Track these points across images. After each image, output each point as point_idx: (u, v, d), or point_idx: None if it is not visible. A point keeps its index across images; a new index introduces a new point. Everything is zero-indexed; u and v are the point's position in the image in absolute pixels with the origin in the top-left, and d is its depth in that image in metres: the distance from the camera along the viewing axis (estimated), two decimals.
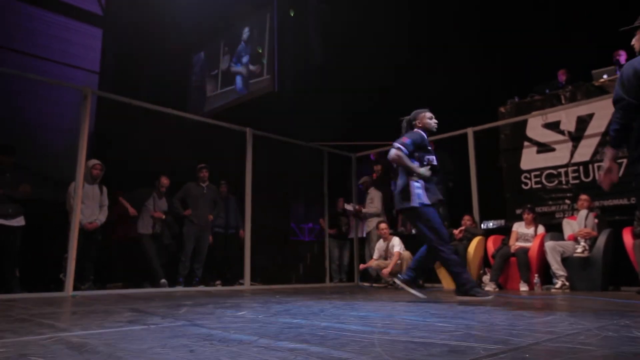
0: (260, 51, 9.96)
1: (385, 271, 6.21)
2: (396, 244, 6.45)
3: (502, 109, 7.03)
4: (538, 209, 6.36)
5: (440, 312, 2.81)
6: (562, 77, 6.78)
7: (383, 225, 6.69)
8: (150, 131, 8.90)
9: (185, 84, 11.91)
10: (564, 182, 6.31)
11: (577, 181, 6.18)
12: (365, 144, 8.32)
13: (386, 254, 6.52)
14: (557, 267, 5.09)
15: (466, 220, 6.20)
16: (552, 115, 6.51)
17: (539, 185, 6.52)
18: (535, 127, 6.68)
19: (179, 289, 5.81)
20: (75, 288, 4.93)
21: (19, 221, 5.04)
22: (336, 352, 1.48)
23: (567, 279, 5.07)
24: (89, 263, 5.35)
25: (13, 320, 2.45)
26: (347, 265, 7.55)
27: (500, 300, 3.75)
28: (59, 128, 9.03)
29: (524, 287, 5.27)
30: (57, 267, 5.26)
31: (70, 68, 11.36)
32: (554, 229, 5.80)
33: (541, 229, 5.73)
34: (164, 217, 6.09)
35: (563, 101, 6.52)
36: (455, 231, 6.22)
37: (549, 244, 5.21)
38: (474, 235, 6.07)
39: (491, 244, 5.98)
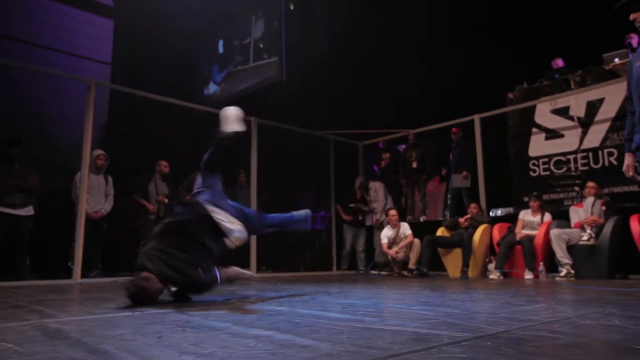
0: (261, 46, 9.96)
1: (392, 251, 6.22)
2: (407, 228, 6.44)
3: (510, 95, 6.90)
4: (546, 197, 6.26)
5: (429, 300, 2.81)
6: (560, 64, 6.63)
7: (392, 212, 6.65)
8: (159, 121, 9.01)
9: (194, 74, 11.98)
10: (572, 169, 6.19)
11: (586, 168, 6.06)
12: (372, 131, 8.27)
13: (394, 241, 6.49)
14: (562, 255, 5.02)
15: (472, 208, 6.15)
16: (561, 101, 6.37)
17: (547, 172, 6.41)
18: (543, 113, 6.54)
19: None
20: (83, 276, 5.07)
21: (28, 210, 5.17)
22: (300, 339, 1.50)
23: (573, 267, 5.00)
24: (96, 251, 5.47)
25: (8, 307, 2.52)
26: (361, 252, 7.52)
27: (495, 287, 3.72)
28: (69, 119, 9.16)
29: (528, 275, 5.21)
30: (65, 255, 5.39)
31: (84, 60, 11.52)
32: (562, 217, 5.70)
33: (548, 217, 5.64)
34: (166, 200, 6.15)
35: (573, 86, 6.37)
36: (461, 219, 6.16)
37: (554, 232, 5.13)
38: (480, 223, 6.01)
39: (497, 232, 5.92)
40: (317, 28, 9.36)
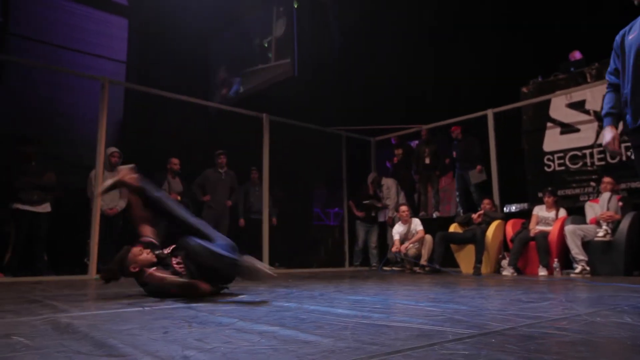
0: (266, 45, 9.97)
1: (403, 247, 6.20)
2: (418, 224, 6.41)
3: (524, 89, 6.81)
4: (561, 192, 6.18)
5: (438, 297, 2.79)
6: (577, 56, 6.50)
7: (403, 208, 6.62)
8: (173, 118, 9.10)
9: (207, 71, 12.04)
10: (588, 164, 6.09)
11: (602, 163, 5.95)
12: (385, 127, 8.24)
13: (406, 237, 6.47)
14: (577, 252, 4.95)
15: (485, 204, 6.09)
16: (576, 95, 6.26)
17: (563, 168, 6.31)
18: (559, 107, 6.44)
19: None
20: (99, 271, 5.15)
21: (45, 207, 5.28)
22: (303, 334, 1.51)
23: (588, 263, 4.92)
24: (111, 247, 5.55)
25: (24, 301, 2.58)
26: (374, 249, 7.51)
27: (507, 284, 3.68)
28: (85, 117, 9.30)
29: (543, 272, 5.15)
30: (82, 251, 5.49)
31: (100, 59, 11.67)
32: (578, 213, 5.61)
33: (562, 213, 5.56)
34: (179, 198, 6.20)
35: (589, 79, 6.25)
36: (474, 215, 6.11)
37: (568, 228, 5.06)
38: (493, 219, 5.95)
39: (510, 228, 5.86)
40: (329, 24, 9.33)
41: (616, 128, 2.45)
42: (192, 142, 8.45)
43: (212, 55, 12.17)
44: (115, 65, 12.06)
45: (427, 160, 7.62)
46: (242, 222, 6.95)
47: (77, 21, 11.42)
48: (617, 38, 2.50)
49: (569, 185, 6.24)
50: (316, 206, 10.40)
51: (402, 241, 6.40)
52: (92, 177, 5.42)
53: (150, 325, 1.70)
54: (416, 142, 8.37)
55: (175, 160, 6.26)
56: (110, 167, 5.67)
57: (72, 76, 9.42)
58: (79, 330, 1.58)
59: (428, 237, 6.17)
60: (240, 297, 2.85)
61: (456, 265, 6.27)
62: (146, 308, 2.22)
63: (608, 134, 2.41)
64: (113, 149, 5.74)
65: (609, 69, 2.55)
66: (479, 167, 6.76)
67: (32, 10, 10.56)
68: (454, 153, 7.19)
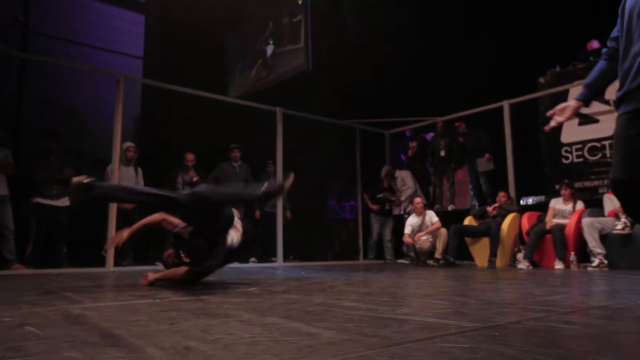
0: (271, 42, 10.00)
1: (417, 236, 6.20)
2: (433, 215, 6.37)
3: (541, 80, 6.67)
4: (579, 184, 6.06)
5: (448, 290, 2.78)
6: (595, 45, 6.34)
7: (418, 199, 6.59)
8: (190, 113, 9.18)
9: (223, 65, 12.10)
10: (608, 155, 5.95)
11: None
12: (399, 120, 8.17)
13: (420, 229, 6.43)
14: (594, 245, 4.86)
15: (501, 196, 6.01)
16: None
17: (581, 159, 6.19)
18: None
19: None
20: (116, 264, 5.26)
21: (64, 201, 5.38)
22: (307, 327, 1.52)
23: (606, 257, 4.83)
24: (128, 241, 5.64)
25: (41, 293, 2.65)
26: (388, 242, 7.49)
27: (521, 277, 3.64)
28: (103, 112, 9.46)
29: (559, 265, 5.07)
30: (100, 244, 5.60)
31: (118, 55, 11.85)
32: (596, 205, 5.50)
33: (580, 205, 5.46)
34: (195, 179, 6.24)
35: None
36: (489, 208, 6.04)
37: (586, 221, 4.97)
38: (509, 212, 5.88)
39: (526, 221, 5.78)
40: (343, 15, 9.28)
41: (584, 103, 2.02)
42: (207, 136, 8.53)
43: (229, 48, 12.20)
44: (132, 60, 12.24)
45: (442, 153, 7.55)
46: (257, 214, 6.99)
47: (95, 18, 11.60)
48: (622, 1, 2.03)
49: (588, 177, 6.11)
50: (332, 199, 10.40)
51: (414, 233, 6.39)
52: (108, 172, 5.51)
53: (158, 317, 1.73)
54: (431, 134, 8.29)
55: (190, 157, 6.31)
56: (127, 161, 5.76)
57: (91, 72, 9.61)
58: (89, 321, 1.62)
59: (443, 230, 6.13)
60: (252, 289, 2.88)
61: (471, 258, 6.21)
62: (157, 300, 2.27)
63: (568, 104, 2.04)
64: (129, 144, 5.82)
65: (612, 34, 2.08)
66: (487, 155, 6.70)
67: (52, 9, 10.76)
68: (461, 139, 7.17)
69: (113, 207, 5.22)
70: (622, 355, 1.11)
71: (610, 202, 5.14)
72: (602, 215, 5.14)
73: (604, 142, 6.01)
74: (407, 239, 6.35)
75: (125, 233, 3.10)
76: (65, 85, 9.83)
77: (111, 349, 1.19)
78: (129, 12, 12.49)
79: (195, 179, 6.17)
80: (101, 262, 5.31)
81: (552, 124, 2.05)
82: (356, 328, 1.50)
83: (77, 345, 1.23)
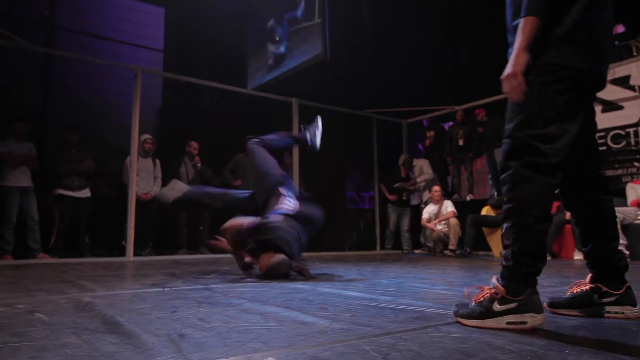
0: (277, 39, 9.97)
1: (431, 224, 6.18)
2: (450, 205, 6.35)
3: None
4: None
5: (457, 281, 2.77)
6: (620, 29, 6.12)
7: (436, 188, 6.56)
8: (209, 105, 9.28)
9: (241, 56, 12.16)
10: (632, 143, 5.78)
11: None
12: (417, 109, 8.09)
13: (436, 218, 6.40)
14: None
15: None
16: (620, 69, 5.93)
17: (604, 147, 6.02)
18: None
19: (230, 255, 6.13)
20: (136, 254, 5.40)
21: (85, 193, 5.55)
22: (304, 316, 1.54)
23: (627, 247, 4.71)
24: (147, 231, 5.79)
25: (59, 281, 2.75)
26: (406, 232, 7.47)
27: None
28: (124, 105, 9.66)
29: (578, 256, 4.97)
30: (120, 234, 5.75)
31: (139, 48, 12.03)
32: (619, 194, 5.36)
33: None
34: (199, 165, 6.30)
35: (634, 53, 5.90)
36: None
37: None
38: None
39: None
40: (362, 5, 9.19)
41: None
42: (225, 128, 8.61)
43: (247, 39, 12.24)
44: (154, 53, 12.40)
45: (461, 142, 7.45)
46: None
47: (116, 12, 11.78)
48: None
49: (611, 166, 5.95)
50: (350, 189, 10.40)
51: (430, 220, 6.39)
52: (127, 163, 5.63)
53: (162, 305, 1.78)
54: (450, 123, 8.18)
55: (195, 145, 6.35)
56: (145, 153, 5.87)
57: (112, 66, 9.80)
58: (95, 309, 1.68)
59: (454, 220, 6.08)
60: (259, 279, 2.92)
61: (488, 248, 6.14)
62: (166, 289, 2.33)
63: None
64: (146, 136, 5.93)
65: None
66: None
67: (75, 3, 10.97)
68: (480, 129, 7.01)
69: (132, 198, 5.34)
70: (613, 347, 1.10)
71: (634, 192, 5.01)
72: (625, 205, 5.01)
73: (628, 130, 5.84)
74: (424, 223, 6.36)
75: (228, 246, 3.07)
76: (88, 79, 10.03)
77: (109, 335, 1.23)
78: (149, 5, 12.63)
79: (199, 165, 6.24)
80: (121, 251, 5.47)
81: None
82: (352, 317, 1.51)
83: (78, 331, 1.28)
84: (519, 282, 1.36)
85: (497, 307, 1.36)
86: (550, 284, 2.47)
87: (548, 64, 1.42)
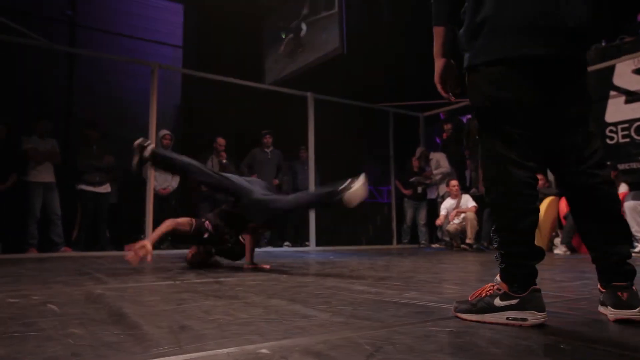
0: (284, 36, 9.99)
1: (451, 215, 6.15)
2: (469, 199, 6.29)
3: None
4: (625, 166, 5.75)
5: (466, 276, 2.75)
6: None
7: (454, 182, 6.51)
8: (227, 100, 9.36)
9: (259, 51, 12.20)
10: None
11: None
12: (434, 102, 7.99)
13: (457, 213, 6.36)
14: (637, 230, 4.62)
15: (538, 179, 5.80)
16: None
17: (627, 139, 5.86)
18: (623, 73, 5.94)
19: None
20: (155, 248, 5.48)
21: (106, 188, 5.68)
22: (306, 309, 1.56)
23: None
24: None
25: (77, 274, 2.83)
26: (422, 226, 7.42)
27: (552, 263, 3.54)
28: (144, 102, 9.82)
29: (558, 251, 4.87)
30: (139, 228, 5.86)
31: (158, 44, 12.20)
32: None
33: (623, 188, 5.19)
34: (225, 160, 6.38)
35: None
36: None
37: (628, 204, 4.73)
38: (546, 196, 5.67)
39: (564, 205, 5.55)
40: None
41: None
42: (242, 123, 8.67)
43: (265, 34, 12.27)
44: (173, 50, 12.57)
45: (478, 135, 7.33)
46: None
47: (136, 9, 11.96)
48: None
49: (635, 158, 5.79)
50: (369, 184, 10.37)
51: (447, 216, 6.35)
52: None
53: (170, 298, 1.83)
54: (468, 116, 8.06)
55: (222, 142, 6.44)
56: (163, 149, 5.96)
57: (131, 63, 9.98)
58: (105, 301, 1.73)
59: (471, 215, 6.02)
60: (272, 272, 2.95)
61: None
62: (177, 282, 2.38)
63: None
64: (165, 132, 6.02)
65: None
66: None
67: (97, 2, 11.17)
68: None
69: (150, 194, 5.44)
70: (610, 343, 1.08)
71: None
72: None
73: (637, 123, 5.67)
74: (438, 221, 6.31)
75: (149, 245, 3.09)
76: (110, 76, 10.24)
77: (113, 327, 1.27)
78: (168, 2, 12.78)
79: (224, 161, 6.32)
80: None
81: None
82: (354, 311, 1.52)
83: (85, 322, 1.33)
84: (518, 281, 1.34)
85: (498, 302, 1.35)
86: (564, 279, 2.44)
87: (478, 65, 1.41)
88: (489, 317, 1.34)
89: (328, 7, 9.77)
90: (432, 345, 1.07)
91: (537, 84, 1.37)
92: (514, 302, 1.32)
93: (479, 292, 1.41)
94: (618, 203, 1.46)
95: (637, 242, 4.64)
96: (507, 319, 1.31)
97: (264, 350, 1.03)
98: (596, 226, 1.41)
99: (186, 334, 1.19)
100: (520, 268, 1.35)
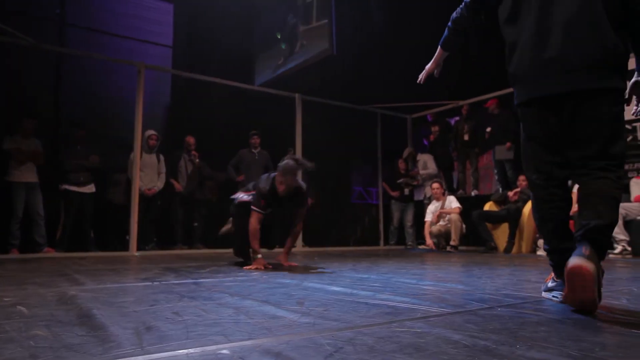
0: (283, 47, 10.01)
1: (434, 217, 6.20)
2: (453, 200, 6.33)
3: None
4: None
5: (446, 276, 2.77)
6: None
7: (436, 185, 6.55)
8: (216, 101, 9.34)
9: (250, 53, 12.18)
10: (639, 138, 5.69)
11: None
12: (421, 104, 8.04)
13: (440, 215, 6.40)
14: (617, 231, 4.69)
15: (521, 180, 5.86)
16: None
17: None
18: None
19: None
20: (140, 249, 5.47)
21: (91, 188, 5.64)
22: (277, 310, 1.57)
23: (629, 243, 4.66)
24: (151, 226, 5.87)
25: (55, 275, 2.81)
26: (409, 227, 7.46)
27: (531, 264, 3.58)
28: (132, 101, 9.77)
29: (540, 252, 4.92)
30: (125, 229, 5.83)
31: (148, 44, 12.13)
32: (624, 190, 5.29)
33: None
34: (197, 160, 6.36)
35: None
36: (510, 193, 5.91)
37: None
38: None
39: None
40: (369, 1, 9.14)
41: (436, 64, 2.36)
42: (232, 124, 8.66)
43: (255, 35, 12.26)
44: (163, 49, 12.51)
45: (466, 137, 7.40)
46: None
47: (126, 8, 11.89)
48: None
49: None
50: (358, 185, 10.40)
51: (438, 220, 6.39)
52: (131, 159, 5.70)
53: (145, 299, 1.82)
54: (456, 118, 8.13)
55: (191, 141, 6.40)
56: (149, 149, 5.94)
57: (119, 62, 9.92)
58: (76, 302, 1.72)
59: (455, 216, 6.06)
60: (255, 273, 2.95)
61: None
62: (155, 283, 2.37)
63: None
64: (151, 132, 5.99)
65: None
66: (508, 144, 6.47)
67: (86, 1, 11.09)
68: (488, 128, 6.89)
69: (135, 194, 5.42)
70: (566, 342, 1.10)
71: (638, 187, 4.94)
72: (628, 200, 4.94)
73: (634, 124, 5.74)
74: (426, 229, 6.35)
75: (261, 259, 3.32)
76: (97, 75, 10.15)
77: (78, 328, 1.27)
78: (158, 2, 12.73)
79: (197, 160, 6.32)
80: (127, 246, 5.54)
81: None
82: (324, 312, 1.53)
83: (50, 324, 1.33)
84: (554, 269, 1.87)
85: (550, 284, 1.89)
86: (540, 280, 2.47)
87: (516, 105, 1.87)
88: (545, 295, 1.89)
89: (319, 16, 9.79)
90: (392, 345, 1.09)
91: (553, 116, 1.71)
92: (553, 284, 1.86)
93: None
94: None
95: (617, 244, 4.71)
96: (553, 296, 1.81)
97: (224, 351, 1.04)
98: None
99: (151, 334, 1.20)
100: (551, 260, 1.87)
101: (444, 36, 2.16)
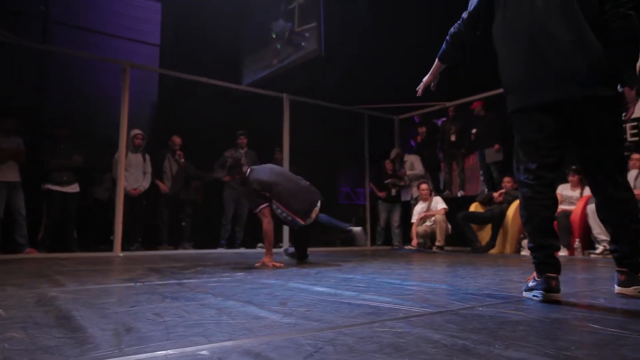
0: (278, 47, 10.03)
1: (419, 218, 6.26)
2: (439, 201, 6.37)
3: None
4: None
5: (431, 276, 2.79)
6: None
7: (424, 186, 6.59)
8: (202, 101, 9.28)
9: (237, 53, 12.14)
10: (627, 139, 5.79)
11: (636, 138, 5.64)
12: (409, 105, 8.08)
13: (426, 216, 6.44)
14: (599, 232, 4.76)
15: (506, 182, 5.92)
16: None
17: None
18: None
19: (221, 250, 6.16)
20: (124, 249, 5.41)
21: (74, 188, 5.57)
22: (259, 310, 1.56)
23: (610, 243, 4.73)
24: (136, 226, 5.82)
25: (35, 276, 2.77)
26: (396, 228, 7.49)
27: (515, 264, 3.62)
28: (117, 100, 9.67)
29: (563, 252, 4.99)
30: (109, 229, 5.76)
31: (135, 43, 12.01)
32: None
33: (588, 191, 5.33)
34: (183, 160, 6.34)
35: None
36: (495, 194, 5.97)
37: (591, 207, 4.86)
38: (515, 198, 5.78)
39: None
40: (357, 1, 9.17)
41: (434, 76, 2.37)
42: (220, 123, 8.61)
43: (242, 34, 12.22)
44: (150, 48, 12.40)
45: (453, 138, 7.45)
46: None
47: (113, 6, 11.76)
48: None
49: None
50: (346, 185, 10.43)
51: (424, 220, 6.42)
52: (116, 159, 5.65)
53: (126, 300, 1.81)
54: (443, 119, 8.18)
55: (178, 141, 6.37)
56: (134, 148, 5.88)
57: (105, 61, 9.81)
58: (56, 304, 1.70)
59: (440, 217, 6.11)
60: (239, 274, 2.94)
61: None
62: (138, 284, 2.35)
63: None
64: (137, 131, 5.94)
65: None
66: (496, 145, 6.53)
67: None
68: (474, 130, 6.95)
69: (120, 193, 5.36)
70: (543, 342, 1.11)
71: None
72: None
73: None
74: (414, 230, 6.39)
75: (270, 262, 3.65)
76: (82, 74, 10.02)
77: (56, 330, 1.25)
78: (146, 0, 12.62)
79: (183, 160, 6.29)
80: (109, 246, 5.48)
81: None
82: (306, 312, 1.53)
83: (27, 326, 1.31)
84: (536, 269, 1.89)
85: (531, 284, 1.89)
86: (521, 280, 2.49)
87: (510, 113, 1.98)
88: (525, 294, 1.88)
89: (307, 18, 9.80)
90: (372, 345, 1.09)
91: (551, 120, 1.82)
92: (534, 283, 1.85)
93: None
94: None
95: (598, 244, 4.79)
96: (533, 296, 1.82)
97: (203, 352, 1.03)
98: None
99: (131, 336, 1.19)
100: (535, 258, 1.90)
101: (442, 50, 2.23)
